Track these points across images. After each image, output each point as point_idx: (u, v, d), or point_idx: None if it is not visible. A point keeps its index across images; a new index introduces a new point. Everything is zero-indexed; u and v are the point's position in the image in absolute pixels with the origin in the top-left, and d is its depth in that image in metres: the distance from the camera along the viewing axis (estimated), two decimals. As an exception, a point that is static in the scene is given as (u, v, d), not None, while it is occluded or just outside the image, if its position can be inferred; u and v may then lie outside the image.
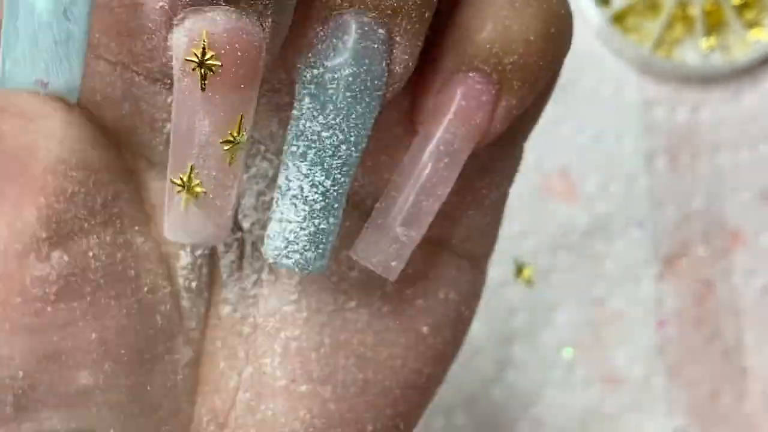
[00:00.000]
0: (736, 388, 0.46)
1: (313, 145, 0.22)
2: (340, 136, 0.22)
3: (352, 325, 0.24)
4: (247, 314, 0.25)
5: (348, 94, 0.21)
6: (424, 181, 0.22)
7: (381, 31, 0.21)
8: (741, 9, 0.49)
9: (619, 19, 0.49)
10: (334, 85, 0.21)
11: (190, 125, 0.21)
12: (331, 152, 0.21)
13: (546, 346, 0.46)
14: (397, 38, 0.21)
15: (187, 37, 0.20)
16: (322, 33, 0.21)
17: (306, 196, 0.22)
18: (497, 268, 0.46)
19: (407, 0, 0.21)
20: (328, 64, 0.21)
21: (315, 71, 0.21)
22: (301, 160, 0.22)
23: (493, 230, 0.25)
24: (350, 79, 0.21)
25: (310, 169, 0.22)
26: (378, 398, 0.24)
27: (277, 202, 0.22)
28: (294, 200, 0.22)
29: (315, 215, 0.22)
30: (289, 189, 0.22)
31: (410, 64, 0.21)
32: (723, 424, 0.46)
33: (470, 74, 0.22)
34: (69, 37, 0.20)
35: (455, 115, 0.22)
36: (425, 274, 0.25)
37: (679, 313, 0.47)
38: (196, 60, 0.20)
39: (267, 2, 0.20)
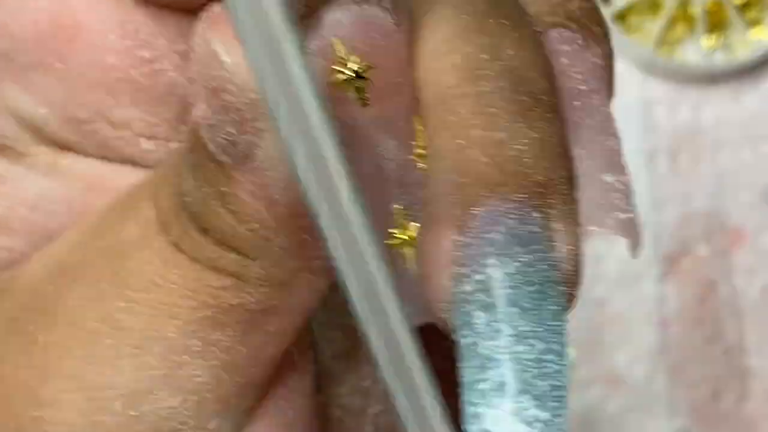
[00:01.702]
0: (737, 388, 0.46)
1: (508, 370, 0.16)
2: (541, 346, 0.16)
3: None
4: (331, 394, 0.23)
5: (531, 289, 0.17)
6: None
7: (535, 214, 0.17)
8: (743, 8, 0.49)
9: (620, 18, 0.49)
10: (509, 284, 0.17)
11: (372, 161, 0.17)
12: (535, 370, 0.16)
13: (547, 347, 0.46)
14: (555, 225, 0.17)
15: (321, 59, 0.17)
16: (464, 239, 0.17)
17: None
18: (498, 269, 0.46)
19: (557, 171, 0.18)
20: (491, 261, 0.17)
21: (477, 277, 0.17)
22: (498, 396, 0.16)
23: None
24: (527, 269, 0.17)
25: (518, 403, 0.16)
26: None
27: None
28: None
29: None
30: None
31: (580, 259, 0.18)
32: (724, 424, 0.46)
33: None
34: None
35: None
36: None
37: (681, 313, 0.47)
38: (348, 75, 0.16)
39: None
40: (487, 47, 0.18)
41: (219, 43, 0.18)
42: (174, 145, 0.22)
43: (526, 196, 0.17)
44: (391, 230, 0.17)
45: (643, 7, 0.49)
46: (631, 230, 0.19)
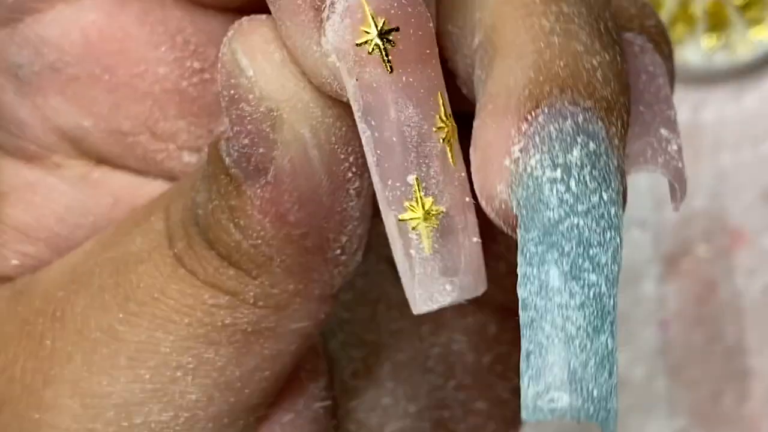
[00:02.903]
0: (738, 388, 0.46)
1: (567, 233, 0.17)
2: (603, 223, 0.17)
3: (443, 402, 0.23)
4: (348, 409, 0.23)
5: (596, 172, 0.17)
6: None
7: (600, 123, 0.17)
8: (743, 8, 0.49)
9: (620, 18, 0.49)
10: (577, 162, 0.17)
11: (393, 126, 0.17)
12: (595, 239, 0.16)
13: (547, 347, 0.46)
14: (614, 141, 0.18)
15: (349, 19, 0.17)
16: (533, 126, 0.17)
17: (583, 305, 0.16)
18: (498, 269, 0.46)
19: (621, 96, 0.18)
20: (559, 145, 0.17)
21: (545, 158, 0.17)
22: (558, 255, 0.16)
23: None
24: (593, 156, 0.17)
25: (575, 264, 0.16)
26: None
27: (529, 335, 0.17)
28: (561, 314, 0.16)
29: (596, 331, 0.16)
30: (546, 310, 0.16)
31: (623, 179, 0.18)
32: (725, 424, 0.46)
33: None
34: None
35: None
36: (500, 338, 0.24)
37: (681, 313, 0.47)
38: (374, 35, 0.17)
39: None
40: None
41: (242, 52, 0.18)
42: None
43: (595, 105, 0.18)
44: (407, 202, 0.17)
45: (643, 6, 0.49)
46: (680, 178, 0.20)
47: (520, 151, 0.17)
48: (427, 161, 0.17)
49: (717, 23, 0.49)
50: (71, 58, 0.21)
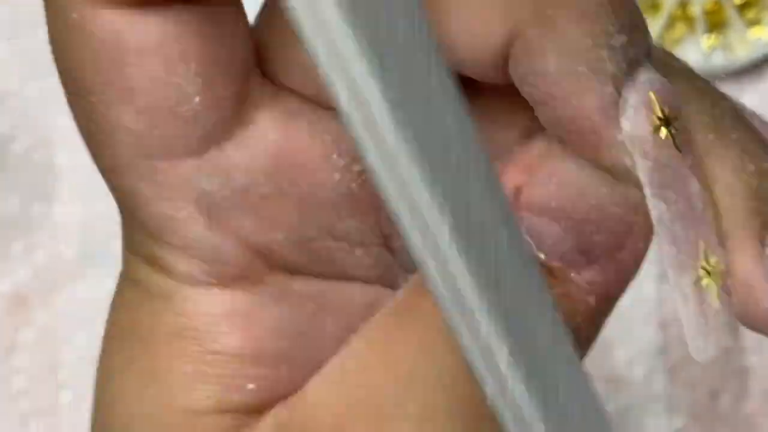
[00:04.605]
0: (736, 388, 0.46)
1: None
2: None
3: None
4: None
5: None
6: None
7: None
8: (742, 8, 0.49)
9: (619, 18, 0.49)
10: None
11: (690, 199, 0.20)
12: None
13: (546, 347, 0.46)
14: None
15: (644, 110, 0.19)
16: None
17: None
18: (497, 269, 0.47)
19: None
20: None
21: None
22: None
23: None
24: None
25: None
26: None
27: None
28: None
29: None
30: None
31: None
32: (723, 424, 0.46)
33: None
34: None
35: None
36: None
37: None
38: (662, 122, 0.20)
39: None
40: (722, 116, 0.22)
41: None
42: (375, 249, 0.23)
43: None
44: (697, 263, 0.20)
45: (642, 7, 0.49)
46: None
47: None
48: (708, 227, 0.20)
49: (716, 23, 0.49)
50: (261, 177, 0.22)
